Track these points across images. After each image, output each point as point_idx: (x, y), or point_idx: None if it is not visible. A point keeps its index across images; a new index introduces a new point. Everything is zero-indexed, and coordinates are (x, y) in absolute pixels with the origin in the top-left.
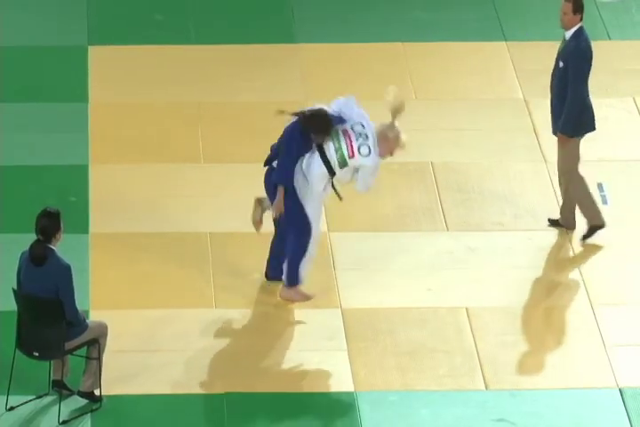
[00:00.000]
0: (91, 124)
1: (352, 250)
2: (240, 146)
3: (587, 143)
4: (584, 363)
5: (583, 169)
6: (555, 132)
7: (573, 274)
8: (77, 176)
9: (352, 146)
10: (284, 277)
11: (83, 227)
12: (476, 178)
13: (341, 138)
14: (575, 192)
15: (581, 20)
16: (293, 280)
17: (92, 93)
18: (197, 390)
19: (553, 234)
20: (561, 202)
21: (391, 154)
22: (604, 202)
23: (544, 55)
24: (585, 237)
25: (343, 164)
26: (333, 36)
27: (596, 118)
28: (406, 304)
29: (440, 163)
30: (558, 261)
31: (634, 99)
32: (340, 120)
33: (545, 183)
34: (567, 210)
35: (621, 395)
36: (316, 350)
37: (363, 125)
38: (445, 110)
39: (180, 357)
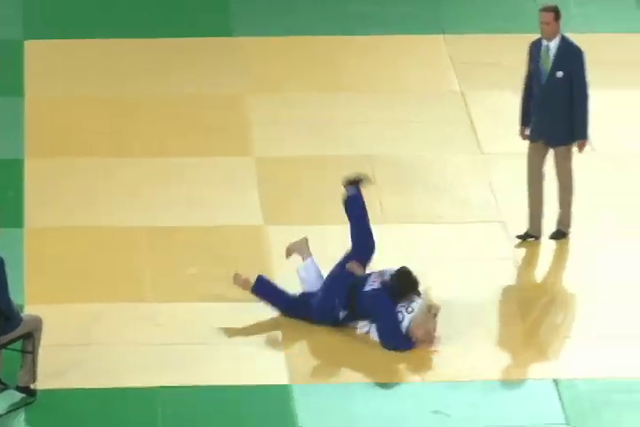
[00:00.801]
0: (26, 119)
1: (288, 242)
2: (176, 140)
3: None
4: (519, 354)
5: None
6: (555, 144)
7: (508, 266)
8: (13, 170)
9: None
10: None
11: (17, 221)
12: (413, 170)
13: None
14: (570, 193)
15: (560, 27)
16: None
17: (27, 87)
18: (131, 383)
19: (489, 227)
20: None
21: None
22: None
23: (481, 48)
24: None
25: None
26: (272, 29)
27: None
28: None
29: (378, 155)
30: (494, 254)
31: None
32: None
33: (482, 175)
34: (538, 218)
35: (556, 385)
36: (251, 344)
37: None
38: (384, 103)
39: (115, 351)
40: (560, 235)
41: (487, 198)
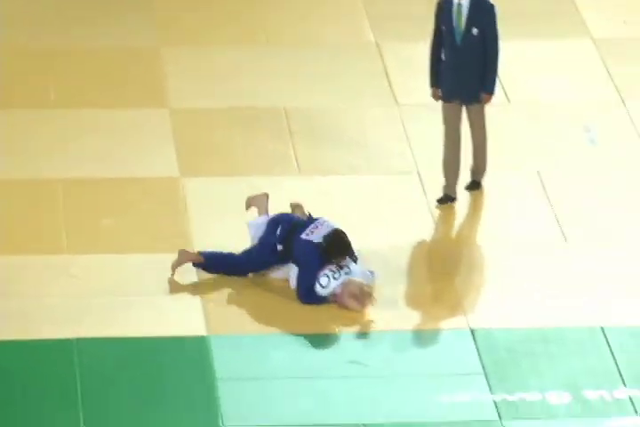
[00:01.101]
0: None
1: (205, 194)
2: (92, 91)
3: None
4: (435, 306)
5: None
6: (470, 102)
7: (424, 218)
8: None
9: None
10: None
11: None
12: (329, 122)
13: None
14: (485, 140)
15: None
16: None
17: None
18: (48, 335)
19: (405, 178)
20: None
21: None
22: (592, 142)
23: (395, 0)
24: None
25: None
26: None
27: None
28: None
29: (293, 108)
30: (410, 206)
31: None
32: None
33: (397, 127)
34: (456, 172)
35: (473, 336)
36: (168, 294)
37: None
38: (298, 55)
39: (31, 303)
40: (475, 185)
41: (403, 150)
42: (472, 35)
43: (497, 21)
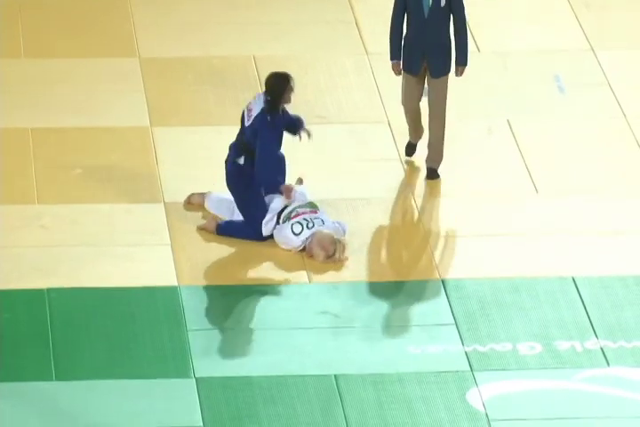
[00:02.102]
0: None
1: (175, 144)
2: (62, 41)
3: None
4: (407, 255)
5: None
6: (436, 75)
7: (394, 166)
8: None
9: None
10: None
11: None
12: (298, 71)
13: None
14: (443, 128)
15: None
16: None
17: None
18: (19, 285)
19: (375, 127)
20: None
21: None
22: (561, 90)
23: None
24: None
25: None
26: None
27: None
28: None
29: (262, 56)
30: (381, 154)
31: None
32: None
33: (367, 76)
34: (420, 128)
35: (443, 286)
36: (138, 245)
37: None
38: (267, 4)
39: (3, 253)
40: (434, 174)
41: (373, 98)
42: (440, 7)
43: None
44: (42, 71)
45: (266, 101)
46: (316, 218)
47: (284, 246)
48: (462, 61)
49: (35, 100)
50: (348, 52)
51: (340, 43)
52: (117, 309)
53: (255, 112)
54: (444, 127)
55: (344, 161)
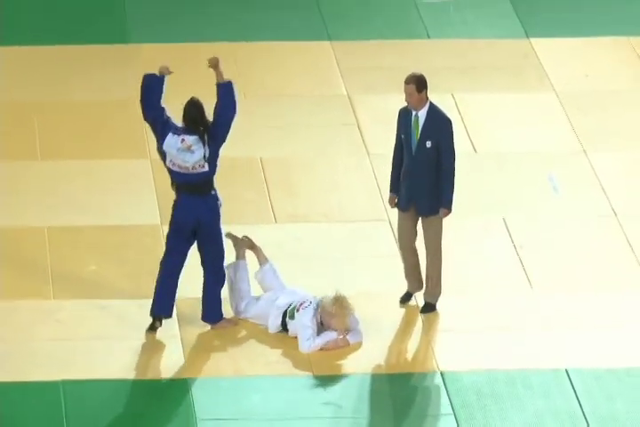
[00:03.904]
0: None
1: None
2: (75, 143)
3: None
4: (406, 348)
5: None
6: (424, 214)
7: (395, 263)
8: None
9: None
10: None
11: None
12: (302, 172)
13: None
14: (439, 264)
15: (427, 95)
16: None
17: None
18: (35, 378)
19: (376, 225)
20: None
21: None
22: (556, 191)
23: (366, 54)
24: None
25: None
26: (166, 36)
27: None
28: None
29: (268, 158)
30: (381, 252)
31: (452, 95)
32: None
33: (368, 176)
34: (418, 278)
35: (442, 378)
36: (149, 338)
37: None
38: (273, 108)
39: (20, 347)
40: (430, 308)
41: (374, 198)
42: (425, 147)
43: (453, 136)
44: (57, 172)
45: (200, 132)
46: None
47: (301, 338)
48: (445, 205)
49: (50, 199)
50: (350, 153)
51: (342, 144)
52: (129, 400)
53: (196, 147)
54: (439, 263)
55: (345, 257)
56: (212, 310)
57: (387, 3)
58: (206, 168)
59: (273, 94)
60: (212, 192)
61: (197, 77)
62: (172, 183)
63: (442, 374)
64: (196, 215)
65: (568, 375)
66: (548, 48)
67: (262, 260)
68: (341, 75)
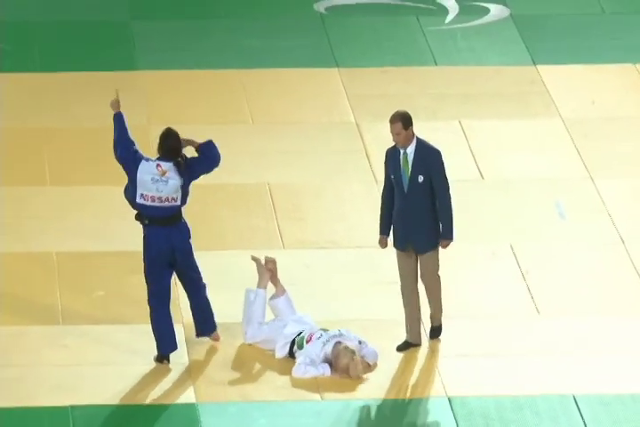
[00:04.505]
0: None
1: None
2: (84, 169)
3: None
4: (414, 373)
5: None
6: (422, 251)
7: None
8: None
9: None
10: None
11: None
12: (310, 198)
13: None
14: (439, 287)
15: (413, 131)
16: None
17: None
18: (43, 402)
19: (384, 250)
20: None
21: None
22: (563, 217)
23: (374, 80)
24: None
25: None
26: (173, 63)
27: None
28: None
29: (277, 184)
30: (389, 278)
31: (459, 122)
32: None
33: (375, 202)
34: (418, 331)
35: (450, 403)
36: (158, 363)
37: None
38: (281, 134)
39: (29, 371)
40: (439, 331)
41: None
42: (418, 182)
43: (444, 167)
44: (66, 198)
45: (176, 164)
46: (334, 336)
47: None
48: (447, 236)
49: (59, 225)
50: (357, 180)
51: (349, 170)
52: (139, 425)
53: (171, 175)
54: (439, 299)
55: (354, 284)
56: (204, 321)
57: (394, 30)
58: (178, 202)
59: (281, 121)
60: (182, 220)
61: (207, 104)
62: (140, 217)
63: (449, 399)
64: (170, 244)
65: (575, 401)
66: (554, 75)
67: (280, 291)
68: (349, 101)
